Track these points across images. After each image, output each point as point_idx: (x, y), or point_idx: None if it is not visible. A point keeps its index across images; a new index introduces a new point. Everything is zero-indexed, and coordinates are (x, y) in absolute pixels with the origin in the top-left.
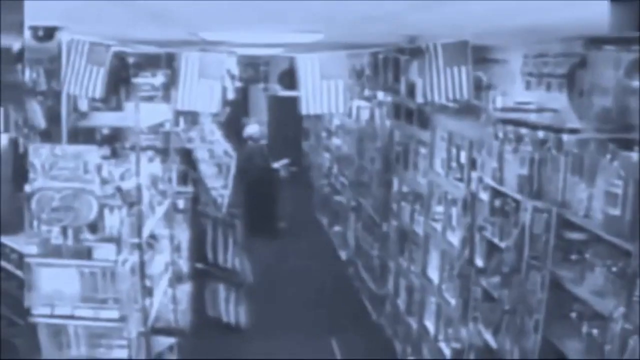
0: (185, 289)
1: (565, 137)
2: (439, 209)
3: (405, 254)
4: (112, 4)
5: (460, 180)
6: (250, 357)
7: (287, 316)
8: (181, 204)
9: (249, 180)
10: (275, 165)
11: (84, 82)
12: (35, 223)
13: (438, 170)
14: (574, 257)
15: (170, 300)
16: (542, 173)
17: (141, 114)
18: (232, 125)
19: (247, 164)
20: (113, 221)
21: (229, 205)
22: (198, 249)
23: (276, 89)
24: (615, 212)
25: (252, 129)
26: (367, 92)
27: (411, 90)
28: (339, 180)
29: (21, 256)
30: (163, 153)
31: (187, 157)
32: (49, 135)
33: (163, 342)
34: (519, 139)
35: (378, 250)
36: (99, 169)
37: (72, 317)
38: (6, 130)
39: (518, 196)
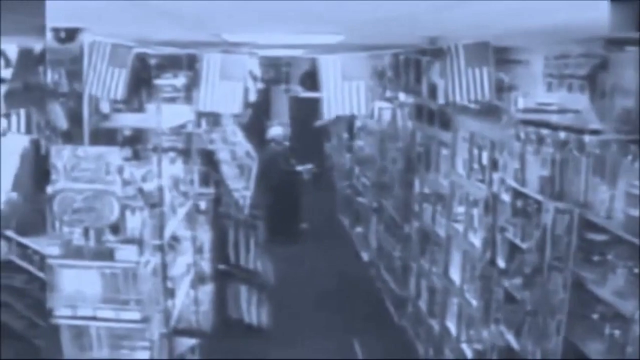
0: (207, 290)
1: (586, 138)
2: (461, 209)
3: (426, 255)
4: (133, 5)
5: (482, 181)
6: (272, 358)
7: (308, 318)
8: (203, 205)
9: (271, 182)
10: (299, 168)
11: (105, 83)
12: (57, 224)
13: (460, 171)
14: (595, 258)
15: (192, 302)
16: (563, 174)
17: (163, 115)
18: (254, 127)
19: (270, 166)
20: (135, 222)
21: (250, 206)
22: (220, 250)
23: (298, 90)
24: (636, 213)
25: (275, 131)
26: (388, 93)
27: (433, 91)
28: (361, 182)
29: (43, 257)
30: (185, 154)
31: (209, 159)
32: (71, 137)
33: (185, 343)
34: (541, 140)
35: (400, 252)
36: (120, 170)
37: (94, 318)
38: (28, 132)
39: (540, 197)
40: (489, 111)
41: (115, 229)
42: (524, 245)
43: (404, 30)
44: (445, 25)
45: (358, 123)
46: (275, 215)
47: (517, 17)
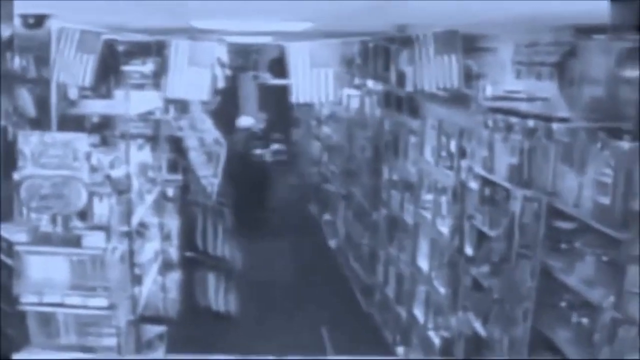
0: (174, 277)
1: (555, 126)
2: (429, 197)
3: (394, 243)
4: None
5: (450, 168)
6: (239, 345)
7: (276, 305)
8: (171, 192)
9: (236, 168)
10: (259, 151)
11: (74, 69)
12: (24, 211)
13: (428, 159)
14: (563, 246)
15: (159, 289)
16: (532, 162)
17: (131, 102)
18: (223, 114)
19: (234, 152)
20: (102, 209)
21: (218, 193)
22: (188, 237)
23: (266, 78)
24: (605, 201)
25: (246, 120)
26: (357, 81)
27: (401, 79)
28: (329, 169)
29: (10, 244)
30: (153, 141)
31: (177, 145)
32: (39, 123)
33: (152, 330)
34: (509, 127)
35: (368, 239)
36: (88, 156)
37: (61, 305)
38: None
39: (508, 185)
40: (458, 99)
41: (83, 215)
42: (492, 233)
43: (373, 17)
44: (414, 13)
45: (326, 110)
46: (241, 203)
47: (486, 5)
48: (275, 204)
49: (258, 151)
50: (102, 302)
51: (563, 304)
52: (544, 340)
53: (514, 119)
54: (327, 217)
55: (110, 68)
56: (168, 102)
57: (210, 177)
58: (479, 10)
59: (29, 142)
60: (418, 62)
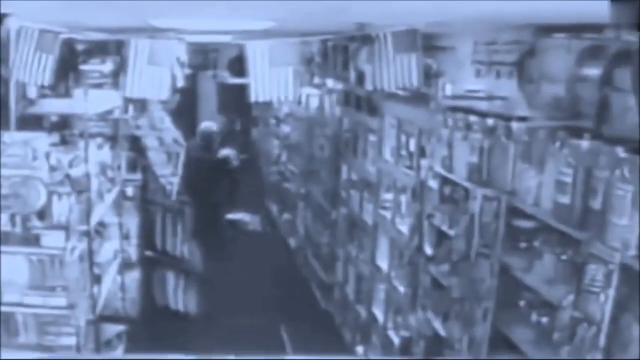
0: (134, 277)
1: (514, 124)
2: (388, 196)
3: (354, 242)
4: None
5: (410, 168)
6: (199, 344)
7: (236, 304)
8: (130, 191)
9: (200, 170)
10: (224, 153)
11: (32, 69)
12: None
13: (387, 158)
14: (523, 245)
15: (119, 288)
16: (491, 161)
17: (90, 101)
18: (182, 113)
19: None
20: (62, 208)
21: (178, 192)
22: (147, 237)
23: (225, 77)
24: (565, 200)
25: (207, 125)
26: (316, 80)
27: (360, 78)
28: (289, 168)
29: None
30: (112, 140)
31: (136, 145)
32: None
33: (112, 329)
34: (469, 126)
35: (327, 238)
36: (47, 156)
37: (20, 304)
38: None
39: (467, 184)
40: (417, 98)
41: (42, 215)
42: (451, 232)
43: (333, 16)
44: (374, 12)
45: (285, 109)
46: (204, 204)
47: (445, 4)
48: (238, 204)
49: (224, 152)
50: (61, 301)
51: (522, 303)
52: (504, 339)
53: (473, 118)
54: (286, 216)
55: (69, 67)
56: (127, 101)
57: (169, 176)
58: (439, 9)
59: None
60: (377, 61)
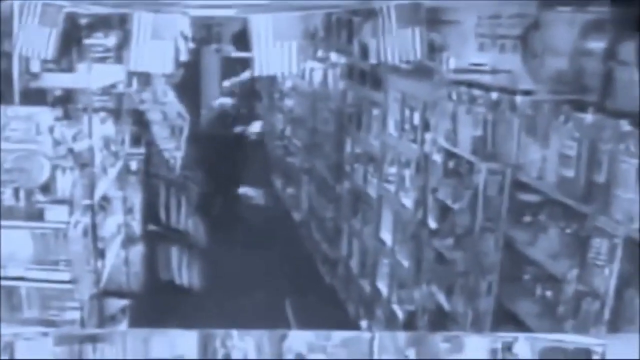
0: (137, 251)
1: (518, 98)
2: (392, 170)
3: (358, 216)
4: None
5: (414, 141)
6: (202, 319)
7: (240, 278)
8: (134, 165)
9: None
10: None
11: (36, 43)
12: None
13: (391, 132)
14: (527, 219)
15: (122, 262)
16: (495, 134)
17: (93, 75)
18: (186, 87)
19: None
20: (65, 183)
21: (182, 167)
22: (151, 211)
23: (229, 50)
24: (569, 173)
25: (223, 101)
26: (320, 53)
27: (364, 52)
28: (293, 142)
29: None
30: (115, 114)
31: (140, 119)
32: (1, 97)
33: (115, 304)
34: (473, 100)
35: (331, 212)
36: (51, 130)
37: (23, 278)
38: None
39: (472, 158)
40: (421, 71)
41: (46, 189)
42: (455, 206)
43: None
44: None
45: (289, 83)
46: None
47: None
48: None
49: (238, 129)
50: (65, 275)
51: (527, 276)
52: (508, 313)
53: (477, 92)
54: (290, 190)
55: (72, 41)
56: (131, 75)
57: (173, 150)
58: None
59: None
60: (381, 34)
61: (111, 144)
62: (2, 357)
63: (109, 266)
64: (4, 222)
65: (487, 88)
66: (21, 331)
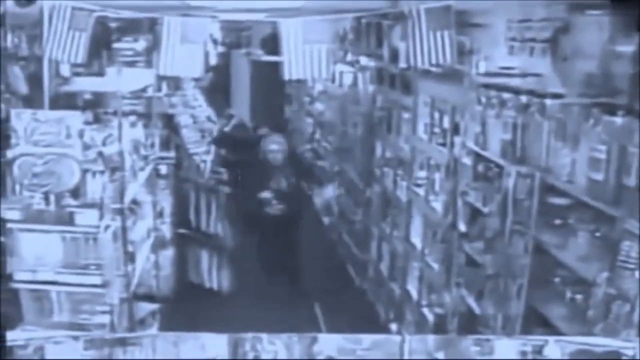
0: (167, 255)
1: (548, 101)
2: (422, 174)
3: (388, 219)
4: None
5: (443, 145)
6: (233, 322)
7: (269, 281)
8: (164, 169)
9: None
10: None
11: (66, 47)
12: (17, 188)
13: (421, 135)
14: (557, 222)
15: (152, 266)
16: (525, 138)
17: (123, 79)
18: (215, 91)
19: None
20: (95, 187)
21: (211, 171)
22: (180, 215)
23: (259, 54)
24: (599, 177)
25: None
26: (350, 57)
27: (394, 55)
28: (322, 146)
29: (3, 222)
30: (145, 118)
31: (170, 123)
32: (31, 101)
33: (145, 307)
34: (502, 103)
35: (361, 216)
36: (81, 134)
37: (54, 282)
38: None
39: (501, 161)
40: (451, 75)
41: (76, 193)
42: (485, 209)
43: None
44: None
45: (319, 87)
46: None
47: None
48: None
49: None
50: (95, 279)
51: (557, 280)
52: (538, 316)
53: (507, 95)
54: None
55: (102, 45)
56: (160, 79)
57: (202, 154)
58: None
59: (21, 119)
60: (411, 38)
61: (141, 147)
62: None
63: (139, 270)
64: (34, 227)
65: (516, 91)
66: (51, 335)
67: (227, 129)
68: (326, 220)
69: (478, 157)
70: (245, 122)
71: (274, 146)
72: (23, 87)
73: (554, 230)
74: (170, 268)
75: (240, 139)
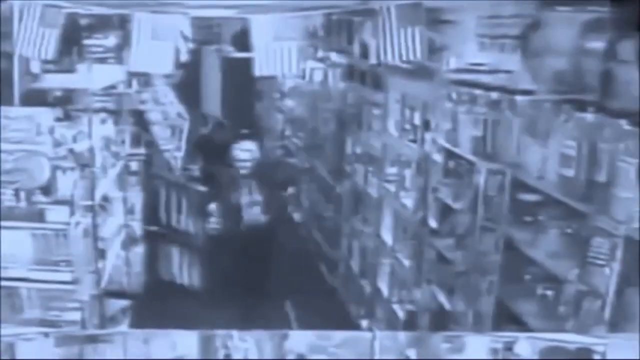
0: (138, 252)
1: (518, 98)
2: (393, 170)
3: (359, 216)
4: None
5: (414, 141)
6: (204, 319)
7: (240, 278)
8: (134, 166)
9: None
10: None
11: (36, 43)
12: None
13: (392, 132)
14: (528, 218)
15: (123, 263)
16: (495, 134)
17: (94, 76)
18: (186, 88)
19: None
20: (66, 183)
21: (182, 167)
22: (151, 211)
23: (229, 51)
24: (569, 173)
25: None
26: (320, 54)
27: (364, 52)
28: (293, 142)
29: None
30: (116, 115)
31: (140, 119)
32: (1, 98)
33: (116, 304)
34: (473, 100)
35: (332, 212)
36: (51, 131)
37: (24, 279)
38: None
39: (472, 157)
40: (421, 72)
41: (46, 190)
42: (456, 206)
43: None
44: None
45: (290, 83)
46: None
47: None
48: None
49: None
50: (66, 276)
51: (528, 276)
52: (509, 313)
53: (477, 92)
54: (290, 190)
55: (72, 42)
56: (131, 75)
57: (173, 150)
58: None
59: None
60: (381, 34)
61: (111, 144)
62: (3, 358)
63: (109, 267)
64: (4, 223)
65: (487, 88)
66: (22, 332)
67: (205, 131)
68: (297, 216)
69: (449, 154)
70: (223, 122)
71: (245, 154)
72: None
73: (524, 227)
74: (141, 265)
75: (220, 140)
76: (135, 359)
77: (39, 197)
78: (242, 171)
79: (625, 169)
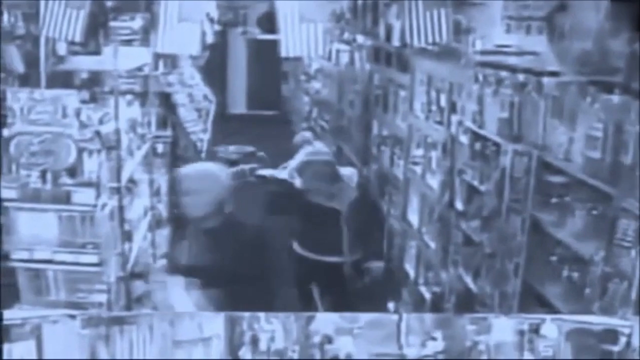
0: (164, 234)
1: (545, 80)
2: (419, 152)
3: (385, 198)
4: None
5: (440, 123)
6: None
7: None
8: (160, 148)
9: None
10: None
11: (62, 25)
12: (13, 167)
13: (418, 114)
14: (554, 200)
15: (149, 245)
16: (522, 116)
17: (120, 58)
18: (212, 70)
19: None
20: (92, 165)
21: (208, 149)
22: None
23: (255, 33)
24: (596, 155)
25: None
26: (346, 36)
27: (390, 34)
28: (319, 124)
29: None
30: (142, 97)
31: (166, 101)
32: (28, 80)
33: (142, 286)
34: (499, 82)
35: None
36: (77, 113)
37: (50, 261)
38: None
39: (498, 139)
40: (447, 53)
41: (72, 171)
42: (482, 188)
43: None
44: None
45: (316, 65)
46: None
47: None
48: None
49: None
50: (92, 258)
51: (554, 258)
52: (535, 294)
53: (503, 73)
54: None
55: (99, 24)
56: (157, 57)
57: (199, 132)
58: None
59: (17, 98)
60: (407, 16)
61: (138, 126)
62: (29, 340)
63: (135, 249)
64: (30, 205)
65: (513, 70)
66: (48, 314)
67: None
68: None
69: (475, 136)
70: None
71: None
72: (19, 66)
73: (550, 209)
74: (167, 247)
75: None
76: (162, 341)
77: (65, 179)
78: None
79: None
